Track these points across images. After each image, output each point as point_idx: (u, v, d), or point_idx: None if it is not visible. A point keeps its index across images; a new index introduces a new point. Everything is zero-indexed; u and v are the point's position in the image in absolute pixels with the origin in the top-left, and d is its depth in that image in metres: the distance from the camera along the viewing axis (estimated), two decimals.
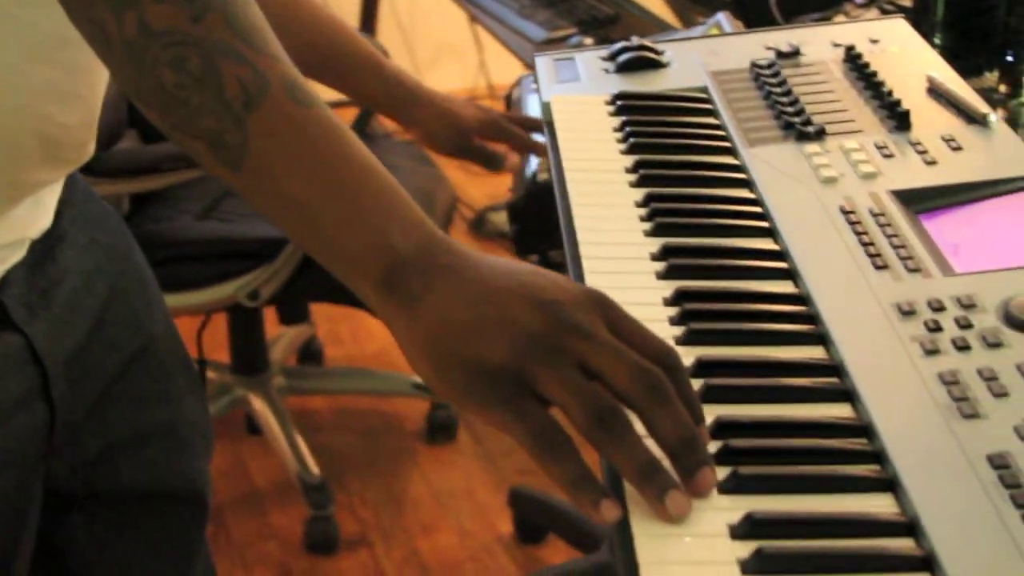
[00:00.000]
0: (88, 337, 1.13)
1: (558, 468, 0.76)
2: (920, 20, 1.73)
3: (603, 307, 0.81)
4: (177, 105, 0.83)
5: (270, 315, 2.68)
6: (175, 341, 1.26)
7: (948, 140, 1.14)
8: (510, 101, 1.82)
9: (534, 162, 1.66)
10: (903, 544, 0.73)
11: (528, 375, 0.78)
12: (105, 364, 1.15)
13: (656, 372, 0.78)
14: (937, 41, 1.71)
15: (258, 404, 2.57)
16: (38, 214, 1.09)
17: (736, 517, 0.74)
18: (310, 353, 2.93)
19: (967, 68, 1.71)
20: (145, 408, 1.21)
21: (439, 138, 1.58)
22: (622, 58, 1.35)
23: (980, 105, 1.18)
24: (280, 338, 2.78)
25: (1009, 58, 1.64)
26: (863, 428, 0.82)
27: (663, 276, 0.99)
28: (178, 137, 0.85)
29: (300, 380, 2.78)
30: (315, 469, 2.43)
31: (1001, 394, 0.81)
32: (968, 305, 0.90)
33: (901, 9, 1.78)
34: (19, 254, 1.06)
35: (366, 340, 3.04)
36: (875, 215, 1.03)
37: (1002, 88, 1.66)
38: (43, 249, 1.09)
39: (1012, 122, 1.61)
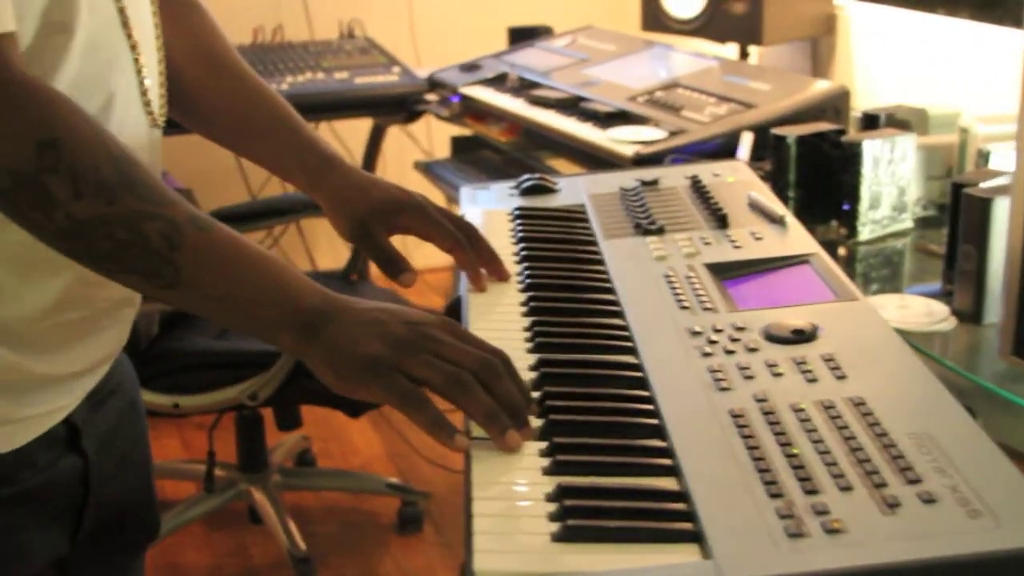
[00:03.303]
0: (116, 470, 1.21)
1: (422, 415, 0.93)
2: (777, 180, 1.91)
3: (450, 325, 0.99)
4: (113, 261, 0.94)
5: (271, 426, 2.81)
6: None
7: (753, 233, 1.32)
8: None
9: None
10: (664, 461, 0.89)
11: (399, 364, 0.94)
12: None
13: (490, 359, 0.96)
14: (791, 195, 1.90)
15: (258, 496, 2.69)
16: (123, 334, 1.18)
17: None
18: (305, 462, 3.05)
19: (816, 217, 1.89)
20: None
21: (337, 217, 1.25)
22: (524, 185, 1.54)
23: (780, 210, 1.36)
24: (280, 445, 2.91)
25: (846, 207, 1.83)
26: (650, 399, 0.98)
27: (526, 314, 1.16)
28: (114, 276, 0.95)
29: (294, 478, 2.88)
30: (302, 545, 2.54)
31: (748, 377, 0.98)
32: (740, 328, 1.07)
33: (766, 172, 1.96)
34: (97, 378, 1.15)
35: (352, 455, 3.17)
36: (688, 278, 1.20)
37: (842, 231, 1.84)
38: (105, 388, 1.17)
39: (851, 257, 1.79)
